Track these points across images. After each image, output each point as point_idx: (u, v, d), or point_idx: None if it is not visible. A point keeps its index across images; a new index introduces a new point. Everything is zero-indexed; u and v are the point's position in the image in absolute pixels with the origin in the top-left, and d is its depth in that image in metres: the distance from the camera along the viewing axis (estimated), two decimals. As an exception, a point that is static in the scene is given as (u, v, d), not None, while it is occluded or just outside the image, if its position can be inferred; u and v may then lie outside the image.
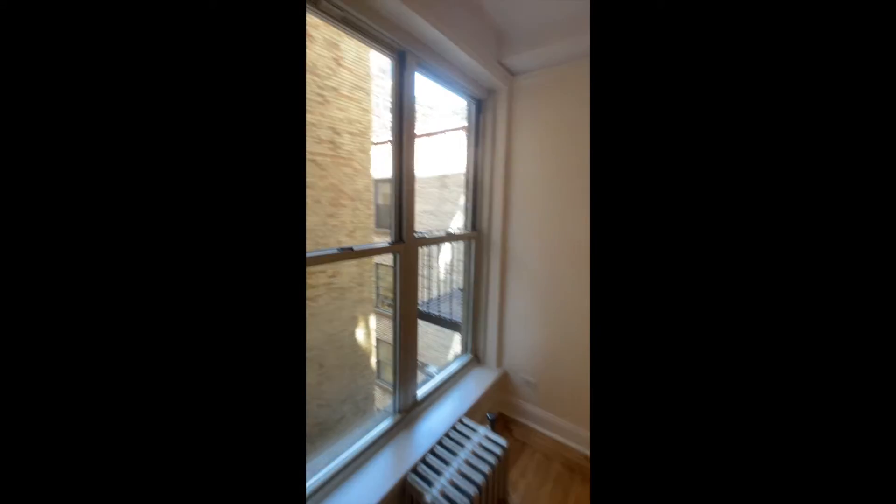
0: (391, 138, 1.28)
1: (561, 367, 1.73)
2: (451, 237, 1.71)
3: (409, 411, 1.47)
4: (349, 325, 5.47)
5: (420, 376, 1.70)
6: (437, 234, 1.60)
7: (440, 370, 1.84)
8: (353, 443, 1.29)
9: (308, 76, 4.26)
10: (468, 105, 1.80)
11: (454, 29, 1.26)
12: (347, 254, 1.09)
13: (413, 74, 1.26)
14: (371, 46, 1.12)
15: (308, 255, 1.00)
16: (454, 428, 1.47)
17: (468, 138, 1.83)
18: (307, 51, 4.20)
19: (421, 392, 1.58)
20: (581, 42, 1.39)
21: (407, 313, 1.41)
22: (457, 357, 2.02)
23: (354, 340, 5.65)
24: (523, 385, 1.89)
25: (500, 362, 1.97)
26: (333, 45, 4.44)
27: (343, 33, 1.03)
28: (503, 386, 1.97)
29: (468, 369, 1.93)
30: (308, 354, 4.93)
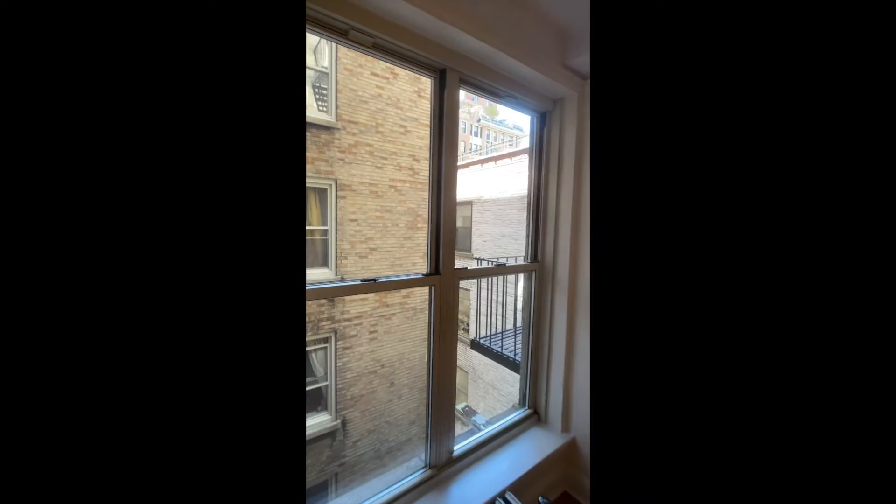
0: (429, 163, 1.18)
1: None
2: (503, 269, 1.49)
3: (441, 468, 1.27)
4: (420, 346, 5.51)
5: (464, 425, 1.49)
6: (485, 264, 1.42)
7: (489, 422, 1.59)
8: (381, 489, 1.15)
9: (392, 109, 4.67)
10: (531, 119, 1.60)
11: (503, 37, 1.11)
12: (370, 286, 1.01)
13: (455, 93, 1.15)
14: (405, 68, 1.06)
15: (328, 286, 0.95)
16: (494, 505, 1.20)
17: (529, 156, 1.62)
18: (392, 87, 4.63)
19: (460, 447, 1.36)
20: None
21: (442, 353, 1.24)
22: (514, 408, 1.72)
23: (425, 362, 5.66)
24: (596, 461, 1.48)
25: (566, 426, 1.60)
26: (416, 80, 4.80)
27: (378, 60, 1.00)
28: (570, 457, 1.58)
29: (525, 427, 1.62)
30: (380, 371, 5.11)
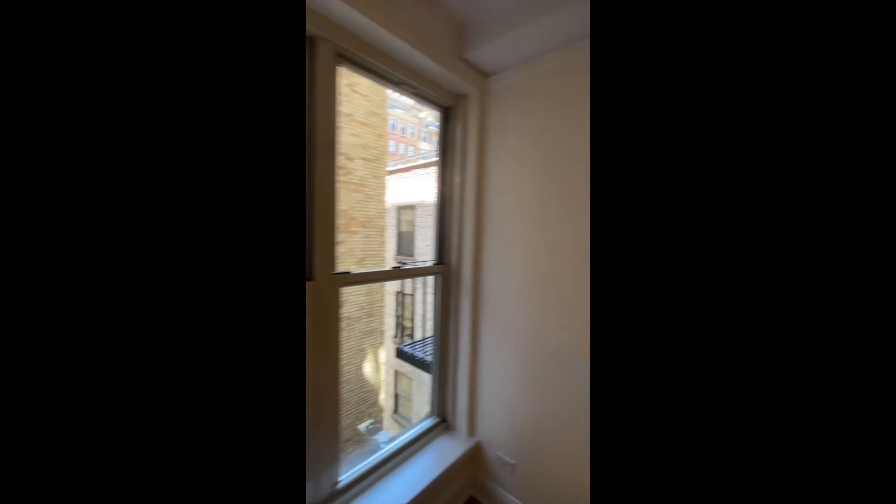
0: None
1: (548, 448, 1.26)
2: (400, 273, 1.38)
3: None
4: (355, 357, 5.18)
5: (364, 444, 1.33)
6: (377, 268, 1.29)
7: (393, 438, 1.45)
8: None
9: (320, 105, 4.37)
10: (440, 116, 1.53)
11: (387, 14, 1.01)
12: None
13: (330, 68, 1.02)
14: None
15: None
16: (379, 537, 1.06)
17: (437, 153, 1.55)
18: (318, 81, 4.34)
19: (348, 474, 1.20)
20: (562, 25, 1.08)
21: (320, 372, 1.08)
22: (420, 420, 1.61)
23: (361, 375, 5.33)
24: (499, 465, 1.43)
25: (472, 430, 1.53)
26: (347, 73, 4.56)
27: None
28: (476, 461, 1.52)
29: (431, 437, 1.52)
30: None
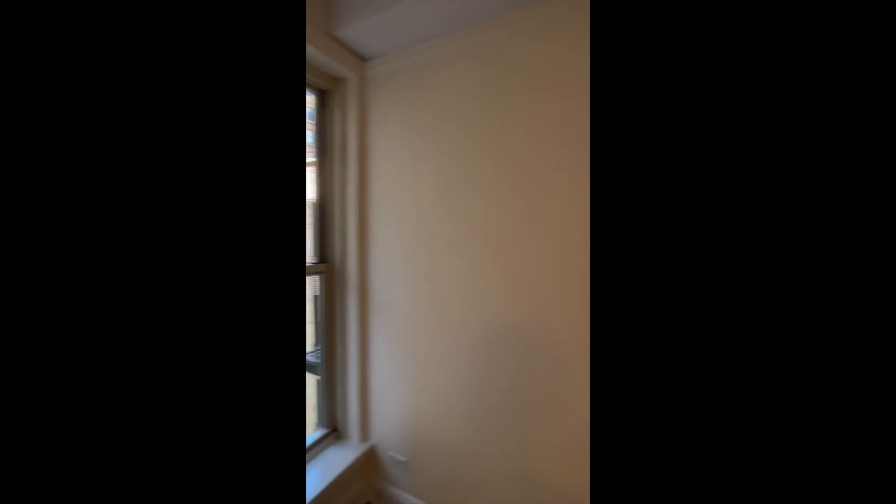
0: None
1: (437, 442, 1.29)
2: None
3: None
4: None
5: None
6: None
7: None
8: None
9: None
10: (315, 98, 1.39)
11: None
12: None
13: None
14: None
15: None
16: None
17: (315, 142, 1.41)
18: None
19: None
20: (438, 10, 1.05)
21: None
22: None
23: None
24: (392, 465, 1.41)
25: (365, 435, 1.48)
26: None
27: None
28: (370, 466, 1.47)
29: (319, 450, 1.41)
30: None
